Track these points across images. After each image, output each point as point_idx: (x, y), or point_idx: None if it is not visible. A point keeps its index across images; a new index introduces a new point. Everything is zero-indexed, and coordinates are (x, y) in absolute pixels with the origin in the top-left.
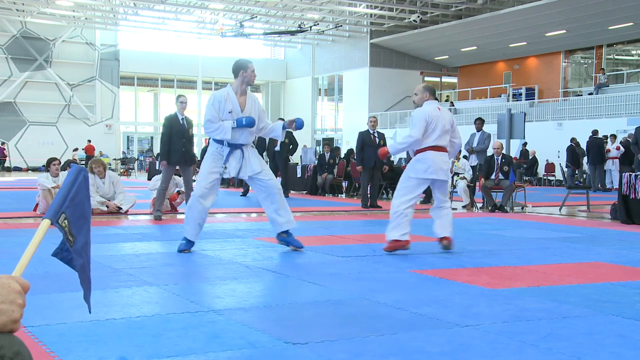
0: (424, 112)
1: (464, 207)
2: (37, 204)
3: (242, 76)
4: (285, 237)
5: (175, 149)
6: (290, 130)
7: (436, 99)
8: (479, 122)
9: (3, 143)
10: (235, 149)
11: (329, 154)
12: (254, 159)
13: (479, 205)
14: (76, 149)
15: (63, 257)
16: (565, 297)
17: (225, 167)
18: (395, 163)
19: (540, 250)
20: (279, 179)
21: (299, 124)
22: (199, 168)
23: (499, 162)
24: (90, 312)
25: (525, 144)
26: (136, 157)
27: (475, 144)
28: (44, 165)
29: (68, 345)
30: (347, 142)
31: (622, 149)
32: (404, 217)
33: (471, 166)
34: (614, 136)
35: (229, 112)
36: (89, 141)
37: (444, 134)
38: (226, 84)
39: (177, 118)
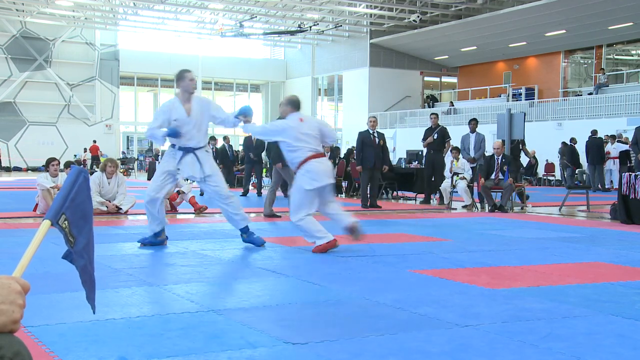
0: (282, 124)
1: (464, 207)
2: (36, 204)
3: (182, 86)
4: (246, 238)
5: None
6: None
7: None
8: (474, 123)
9: None
10: (187, 153)
11: (329, 153)
12: (206, 163)
13: (479, 205)
14: (85, 150)
15: (72, 259)
16: (565, 297)
17: (178, 169)
18: (395, 163)
19: (540, 250)
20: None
21: (243, 111)
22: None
23: (499, 162)
24: (94, 313)
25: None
26: (136, 157)
27: (472, 152)
28: (43, 166)
29: (68, 345)
30: (347, 142)
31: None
32: (310, 223)
33: (470, 166)
34: (613, 136)
35: (174, 120)
36: (94, 141)
37: (313, 140)
38: (226, 84)
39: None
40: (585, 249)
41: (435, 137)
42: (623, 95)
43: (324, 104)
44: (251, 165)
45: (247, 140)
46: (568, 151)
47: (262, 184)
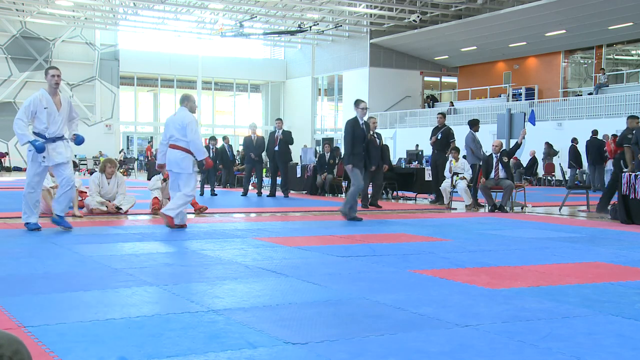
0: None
1: (467, 207)
2: None
3: (46, 80)
4: (57, 219)
5: (357, 152)
6: (288, 130)
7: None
8: (478, 124)
9: (6, 154)
10: (51, 142)
11: (329, 153)
12: (63, 151)
13: (485, 206)
14: (122, 150)
15: None
16: (565, 297)
17: (44, 157)
18: (395, 163)
19: (540, 250)
20: (279, 179)
21: (78, 141)
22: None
23: (497, 159)
24: None
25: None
26: (136, 157)
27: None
28: None
29: (68, 345)
30: None
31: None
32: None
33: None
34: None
35: (45, 108)
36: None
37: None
38: (226, 84)
39: (358, 122)
40: (585, 249)
41: (439, 137)
42: (623, 95)
43: (324, 104)
44: (251, 165)
45: (248, 140)
46: (571, 151)
47: (262, 184)
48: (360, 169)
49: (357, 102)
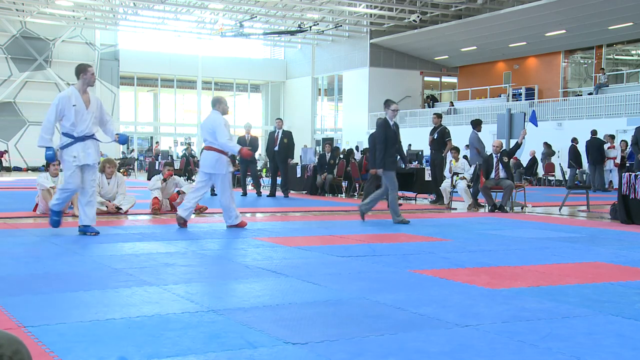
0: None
1: (468, 207)
2: (36, 204)
3: (83, 78)
4: (82, 228)
5: (390, 154)
6: (289, 130)
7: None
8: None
9: (5, 151)
10: (80, 141)
11: (329, 154)
12: (92, 152)
13: (483, 205)
14: (132, 150)
15: None
16: (565, 297)
17: (75, 157)
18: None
19: (540, 250)
20: (279, 179)
21: (122, 140)
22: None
23: (498, 158)
24: None
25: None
26: (136, 157)
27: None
28: (43, 166)
29: (68, 345)
30: (347, 142)
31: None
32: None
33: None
34: (612, 136)
35: (73, 106)
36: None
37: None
38: (226, 84)
39: (389, 124)
40: (585, 249)
41: (435, 137)
42: (623, 95)
43: (324, 104)
44: (246, 165)
45: (241, 140)
46: (571, 151)
47: (262, 184)
48: (394, 172)
49: (388, 103)
